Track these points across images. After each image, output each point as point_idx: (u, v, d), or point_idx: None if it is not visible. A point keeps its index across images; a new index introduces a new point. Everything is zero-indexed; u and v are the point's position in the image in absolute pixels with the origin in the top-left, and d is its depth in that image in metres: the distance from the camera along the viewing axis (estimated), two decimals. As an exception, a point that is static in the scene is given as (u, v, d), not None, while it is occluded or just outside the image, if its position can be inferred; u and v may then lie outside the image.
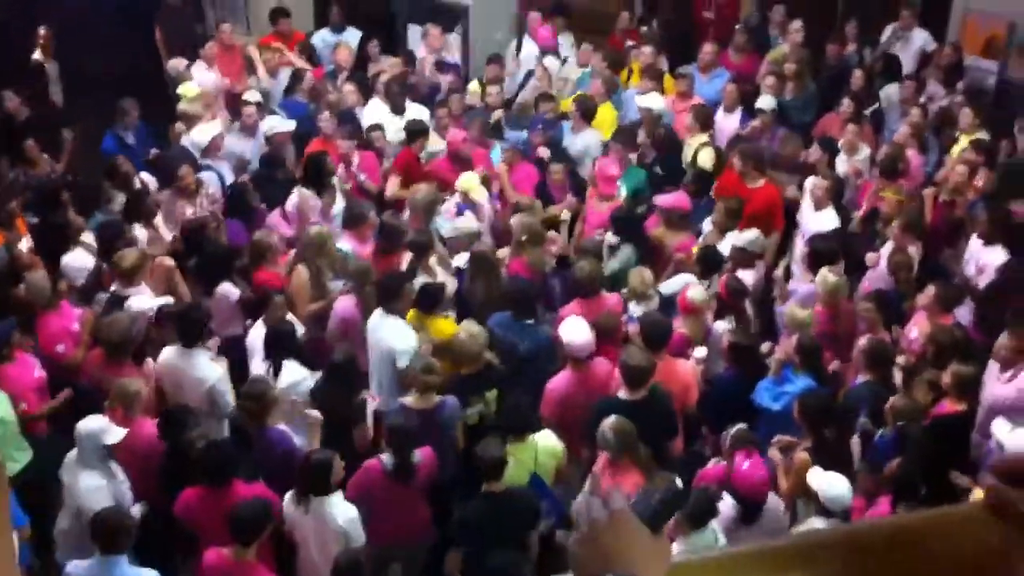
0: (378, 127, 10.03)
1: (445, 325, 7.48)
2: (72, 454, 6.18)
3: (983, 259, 8.07)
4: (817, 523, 5.88)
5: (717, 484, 6.16)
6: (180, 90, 10.39)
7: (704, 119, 10.00)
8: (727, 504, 6.07)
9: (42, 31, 11.33)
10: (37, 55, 11.36)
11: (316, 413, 6.52)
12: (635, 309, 7.63)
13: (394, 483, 6.22)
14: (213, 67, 11.25)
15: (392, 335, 7.17)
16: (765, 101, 10.17)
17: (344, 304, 7.64)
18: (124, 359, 6.96)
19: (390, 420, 6.58)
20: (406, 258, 8.07)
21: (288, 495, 6.03)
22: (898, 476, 6.21)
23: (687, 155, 9.84)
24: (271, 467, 6.30)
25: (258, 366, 7.07)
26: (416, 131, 9.75)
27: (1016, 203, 8.48)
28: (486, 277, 7.94)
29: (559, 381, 7.00)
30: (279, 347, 7.03)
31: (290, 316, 7.48)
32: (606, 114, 10.49)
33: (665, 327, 7.08)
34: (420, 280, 7.79)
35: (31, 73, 11.24)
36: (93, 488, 6.06)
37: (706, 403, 7.18)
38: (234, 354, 7.39)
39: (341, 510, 5.89)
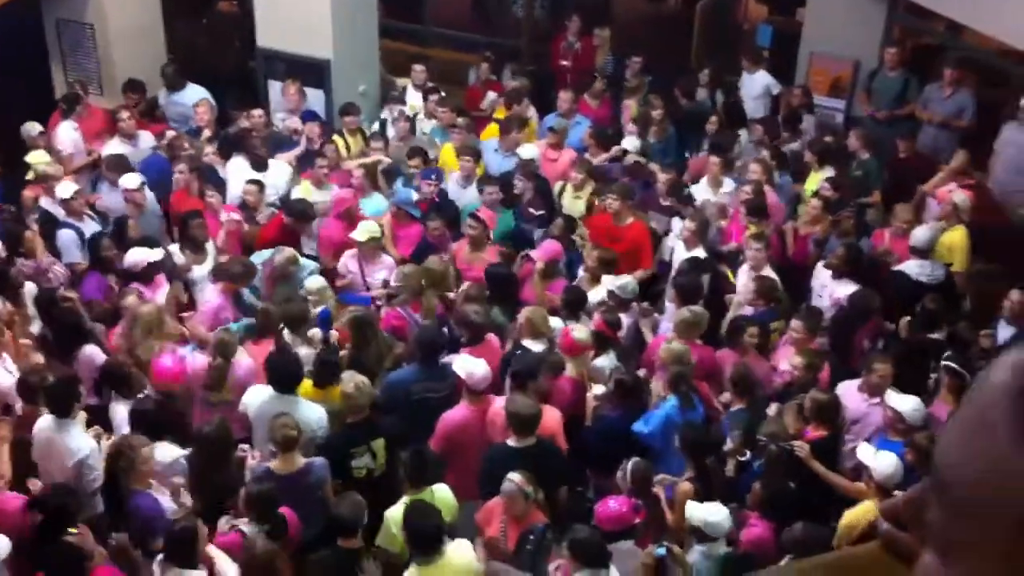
0: (255, 182, 9.85)
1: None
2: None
3: (836, 292, 8.44)
4: (698, 550, 5.97)
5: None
6: (29, 158, 10.08)
7: (588, 170, 10.18)
8: None
9: None
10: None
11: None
12: (533, 345, 7.64)
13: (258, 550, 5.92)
14: (77, 129, 10.94)
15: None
16: (630, 142, 10.39)
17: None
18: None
19: (250, 488, 6.26)
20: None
21: (157, 559, 5.78)
22: (763, 495, 6.36)
23: (568, 204, 9.99)
24: (139, 531, 6.07)
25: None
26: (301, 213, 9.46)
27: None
28: (373, 337, 7.79)
29: (454, 413, 6.97)
30: (148, 427, 6.73)
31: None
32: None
33: (535, 364, 7.14)
34: (302, 351, 7.60)
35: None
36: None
37: (591, 442, 7.20)
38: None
39: None
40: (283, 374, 7.00)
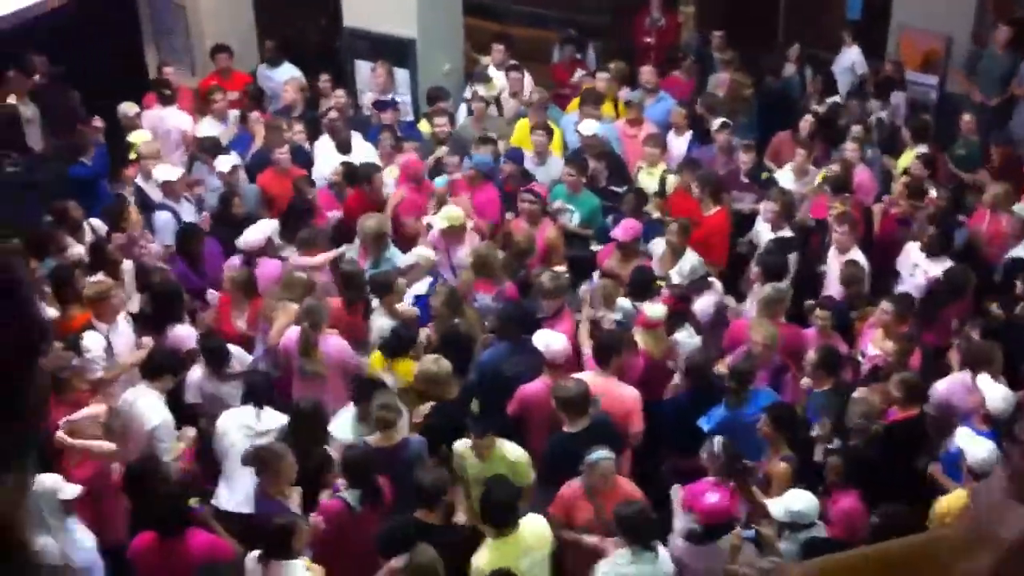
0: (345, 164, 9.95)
1: (411, 367, 7.30)
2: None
3: (931, 270, 8.30)
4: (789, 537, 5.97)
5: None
6: (132, 137, 10.35)
7: (662, 147, 10.13)
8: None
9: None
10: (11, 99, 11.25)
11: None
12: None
13: (351, 516, 6.12)
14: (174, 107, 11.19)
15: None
16: (719, 122, 10.32)
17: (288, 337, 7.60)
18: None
19: (346, 455, 6.43)
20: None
21: (252, 554, 5.86)
22: (842, 464, 6.35)
23: (642, 181, 9.94)
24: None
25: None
26: (363, 174, 9.64)
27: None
28: (459, 312, 7.81)
29: (532, 385, 7.05)
30: (259, 394, 6.97)
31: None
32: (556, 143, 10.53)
33: (616, 340, 7.13)
34: (380, 322, 7.74)
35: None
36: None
37: (663, 422, 7.20)
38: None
39: None
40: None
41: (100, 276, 8.18)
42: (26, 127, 11.31)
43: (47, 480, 5.99)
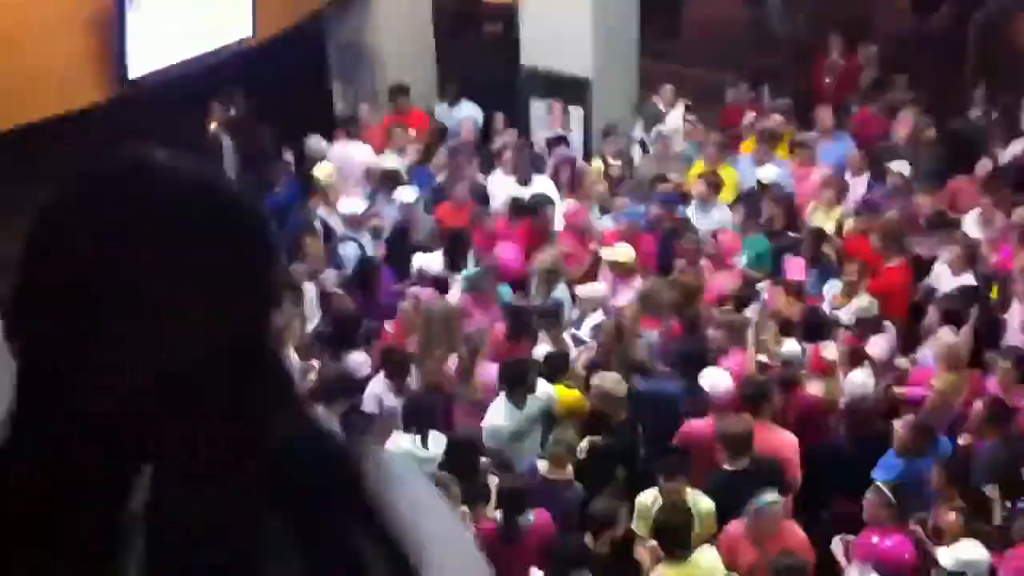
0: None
1: (566, 392, 7.46)
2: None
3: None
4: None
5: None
6: (316, 170, 10.85)
7: (839, 191, 10.00)
8: None
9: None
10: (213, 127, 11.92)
11: None
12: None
13: (502, 545, 6.19)
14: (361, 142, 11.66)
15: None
16: (900, 165, 10.11)
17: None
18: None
19: (503, 481, 6.55)
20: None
21: None
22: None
23: (817, 223, 9.80)
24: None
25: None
26: (531, 205, 9.88)
27: None
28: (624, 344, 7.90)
29: (699, 423, 7.04)
30: (423, 418, 7.09)
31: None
32: (727, 176, 10.50)
33: (763, 389, 7.05)
34: (542, 350, 7.88)
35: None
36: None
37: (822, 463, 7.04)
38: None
39: None
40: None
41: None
42: (224, 160, 11.98)
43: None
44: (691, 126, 11.51)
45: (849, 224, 9.66)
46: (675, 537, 5.90)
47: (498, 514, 6.31)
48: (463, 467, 6.65)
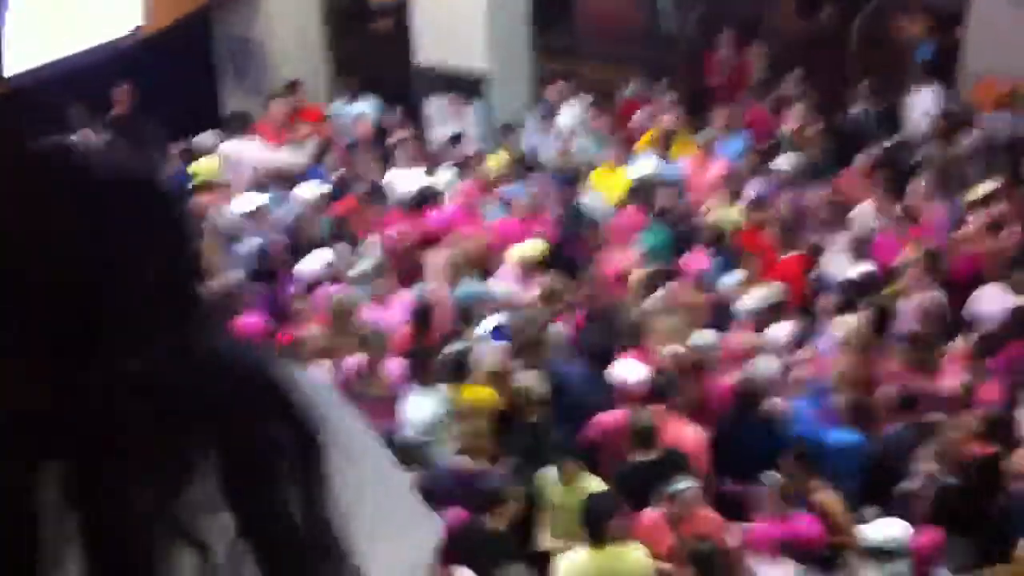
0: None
1: (475, 390, 7.38)
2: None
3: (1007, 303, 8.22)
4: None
5: None
6: (193, 167, 10.55)
7: (737, 185, 10.18)
8: None
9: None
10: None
11: None
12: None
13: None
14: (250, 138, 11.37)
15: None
16: (786, 159, 10.32)
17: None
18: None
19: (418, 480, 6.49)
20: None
21: None
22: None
23: (714, 218, 9.93)
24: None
25: None
26: (429, 195, 9.88)
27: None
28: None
29: (608, 415, 7.05)
30: None
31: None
32: (620, 178, 10.59)
33: (672, 380, 7.12)
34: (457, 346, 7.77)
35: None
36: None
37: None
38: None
39: None
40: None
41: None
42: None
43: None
44: (594, 118, 11.50)
45: (741, 218, 9.81)
46: (596, 523, 5.85)
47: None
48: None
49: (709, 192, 10.31)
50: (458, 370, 7.37)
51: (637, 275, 8.61)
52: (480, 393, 7.32)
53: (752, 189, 10.31)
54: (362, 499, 1.16)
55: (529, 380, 7.06)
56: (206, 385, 1.11)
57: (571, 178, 10.45)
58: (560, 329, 8.09)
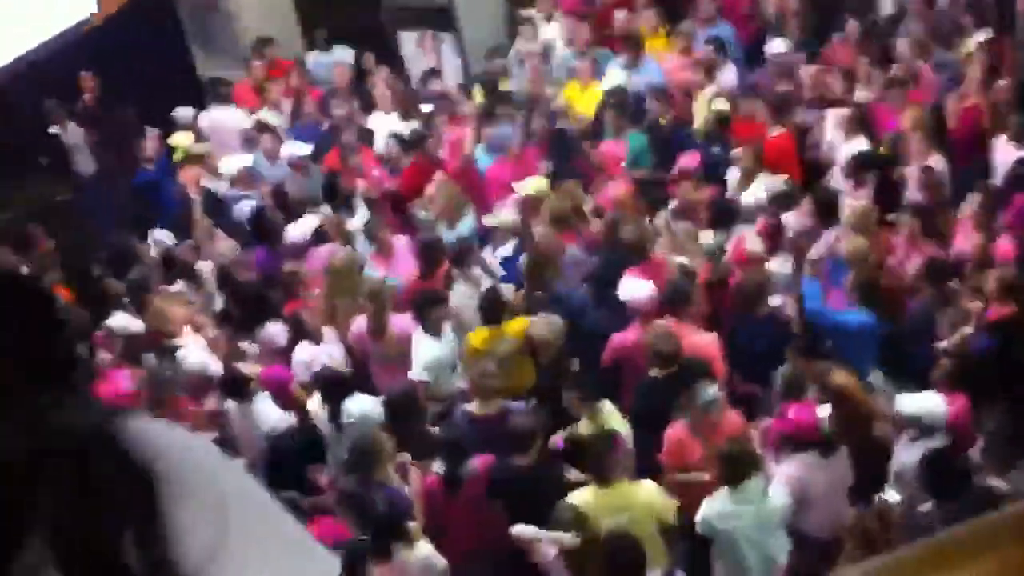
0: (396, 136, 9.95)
1: (519, 326, 7.21)
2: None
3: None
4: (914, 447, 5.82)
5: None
6: (172, 140, 10.44)
7: (708, 69, 9.94)
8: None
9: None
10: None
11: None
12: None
13: (447, 496, 6.07)
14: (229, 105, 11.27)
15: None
16: (776, 43, 10.09)
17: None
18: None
19: (443, 431, 6.50)
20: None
21: None
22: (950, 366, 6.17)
23: (700, 107, 9.76)
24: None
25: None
26: (421, 136, 9.72)
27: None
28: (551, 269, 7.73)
29: (624, 335, 6.97)
30: (332, 390, 6.89)
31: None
32: (591, 97, 10.35)
33: (684, 291, 7.03)
34: (462, 289, 7.70)
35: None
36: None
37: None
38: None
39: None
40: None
41: (180, 285, 8.30)
42: (74, 153, 11.42)
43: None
44: (577, 33, 11.21)
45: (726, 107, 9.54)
46: (599, 460, 5.82)
47: (441, 466, 6.17)
48: (407, 423, 6.52)
49: (695, 86, 10.05)
50: (492, 309, 7.27)
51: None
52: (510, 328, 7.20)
53: (729, 81, 10.07)
54: (240, 543, 1.16)
55: (542, 328, 6.94)
56: (45, 455, 1.14)
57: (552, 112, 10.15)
58: (570, 251, 8.00)
